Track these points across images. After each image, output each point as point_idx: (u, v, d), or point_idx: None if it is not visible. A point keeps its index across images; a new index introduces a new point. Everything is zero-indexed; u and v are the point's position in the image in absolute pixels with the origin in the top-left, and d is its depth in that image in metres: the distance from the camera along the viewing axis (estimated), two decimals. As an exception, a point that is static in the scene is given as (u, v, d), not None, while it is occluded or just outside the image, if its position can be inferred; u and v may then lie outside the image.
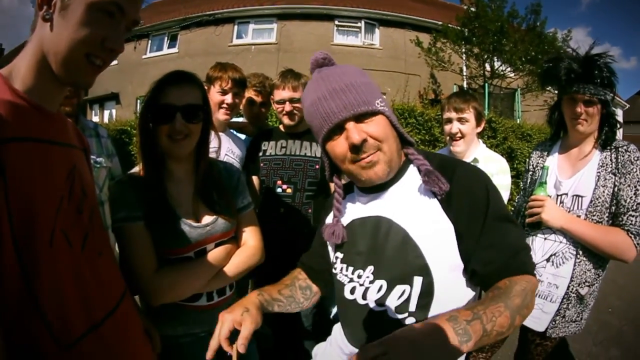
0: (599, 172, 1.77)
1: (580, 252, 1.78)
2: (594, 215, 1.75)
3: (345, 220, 1.26)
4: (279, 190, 2.35)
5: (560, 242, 1.84)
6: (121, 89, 17.38)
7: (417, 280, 1.03)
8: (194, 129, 1.38)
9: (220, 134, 1.74)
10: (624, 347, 3.44)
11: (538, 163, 2.05)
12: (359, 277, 1.16)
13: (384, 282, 1.09)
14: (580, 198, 1.80)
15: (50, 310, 0.78)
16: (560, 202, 1.87)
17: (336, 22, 16.33)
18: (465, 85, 14.42)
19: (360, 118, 1.06)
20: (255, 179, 2.39)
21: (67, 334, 0.81)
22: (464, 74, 15.19)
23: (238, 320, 1.10)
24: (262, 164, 2.38)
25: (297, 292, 1.39)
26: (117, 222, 1.34)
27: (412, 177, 1.14)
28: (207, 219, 1.45)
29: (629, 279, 4.38)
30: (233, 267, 1.51)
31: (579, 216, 1.78)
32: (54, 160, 0.83)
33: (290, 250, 2.27)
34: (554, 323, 1.86)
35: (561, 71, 1.81)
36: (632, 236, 1.65)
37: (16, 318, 0.74)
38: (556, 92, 2.02)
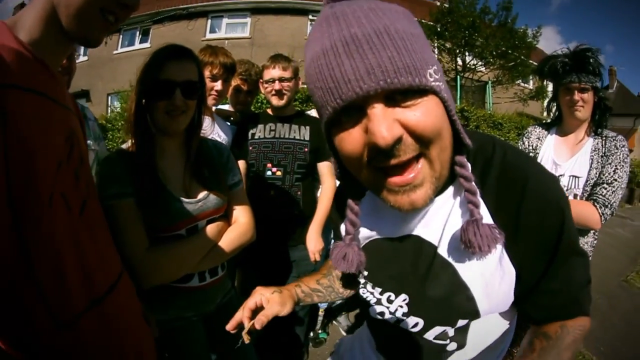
0: (592, 155, 2.04)
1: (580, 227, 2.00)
2: (588, 193, 2.01)
3: (367, 234, 0.93)
4: (269, 173, 2.35)
5: None
6: (91, 85, 16.94)
7: (461, 323, 0.81)
8: (191, 105, 1.36)
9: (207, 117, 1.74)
10: (599, 318, 3.71)
11: (537, 145, 2.25)
12: (389, 301, 0.90)
13: (420, 321, 0.85)
14: (577, 178, 2.06)
15: (47, 281, 0.72)
16: None
17: (310, 17, 16.33)
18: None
19: (395, 97, 0.62)
20: (242, 163, 2.36)
21: (66, 309, 0.76)
22: (437, 67, 15.43)
23: (267, 297, 1.00)
24: (250, 148, 2.37)
25: (335, 282, 1.18)
26: (107, 199, 1.26)
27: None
28: (198, 194, 1.43)
29: (598, 256, 4.64)
30: (225, 245, 1.48)
31: (575, 194, 2.05)
32: (56, 119, 0.78)
33: (282, 232, 2.35)
34: None
35: (557, 65, 2.04)
36: (597, 205, 1.90)
37: (8, 289, 0.68)
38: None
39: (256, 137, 2.39)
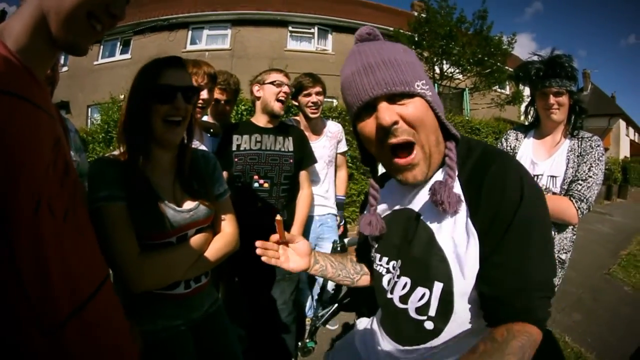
0: (568, 156, 2.14)
1: (557, 224, 2.12)
2: (565, 191, 2.10)
3: (383, 209, 1.22)
4: (256, 185, 2.36)
5: None
6: (71, 97, 16.63)
7: (438, 286, 0.98)
8: (189, 112, 1.38)
9: None
10: (585, 311, 3.87)
11: (516, 146, 2.37)
12: (394, 268, 1.12)
13: (408, 280, 1.05)
14: (554, 178, 2.17)
15: (32, 286, 0.71)
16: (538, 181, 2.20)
17: (290, 28, 16.50)
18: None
19: (394, 98, 0.95)
20: (224, 174, 2.40)
21: (50, 315, 0.75)
22: (415, 76, 15.59)
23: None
24: (236, 159, 2.36)
25: (347, 263, 1.41)
26: (96, 202, 1.24)
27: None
28: (189, 204, 1.45)
29: (581, 252, 4.91)
30: (212, 254, 1.52)
31: (554, 193, 2.14)
32: (42, 126, 0.77)
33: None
34: None
35: (532, 71, 2.19)
36: (574, 200, 2.00)
37: None
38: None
39: (242, 148, 2.40)
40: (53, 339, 0.75)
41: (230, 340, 1.71)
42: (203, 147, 2.18)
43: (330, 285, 3.34)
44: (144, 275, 1.29)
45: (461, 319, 0.97)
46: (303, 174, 2.56)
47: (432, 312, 0.99)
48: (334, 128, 3.15)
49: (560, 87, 2.10)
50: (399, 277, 1.08)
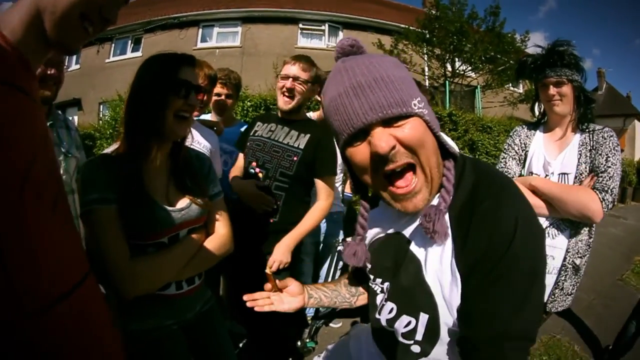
0: (580, 150, 1.98)
1: (573, 224, 1.97)
2: None
3: (376, 232, 1.14)
4: (252, 171, 2.30)
5: None
6: (83, 94, 16.88)
7: (423, 317, 0.93)
8: (196, 110, 1.39)
9: None
10: (595, 318, 3.71)
11: (527, 143, 2.21)
12: (387, 290, 1.07)
13: (394, 307, 1.01)
14: (566, 175, 2.01)
15: (17, 269, 0.71)
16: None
17: (300, 25, 16.48)
18: (427, 85, 14.77)
19: (390, 121, 0.85)
20: (242, 156, 2.40)
21: (35, 299, 0.74)
22: (426, 74, 15.50)
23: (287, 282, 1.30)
24: (249, 143, 2.35)
25: (341, 288, 1.36)
26: (88, 205, 1.25)
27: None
28: (181, 203, 1.44)
29: (592, 256, 4.63)
30: (205, 255, 1.51)
31: None
32: (34, 115, 0.79)
33: (256, 236, 2.26)
34: (553, 297, 2.01)
35: (528, 62, 2.08)
36: (597, 192, 1.84)
37: None
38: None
39: (256, 134, 2.36)
40: (36, 323, 0.74)
41: (223, 339, 1.70)
42: (207, 144, 2.35)
43: None
44: (135, 281, 1.28)
45: (448, 342, 0.94)
46: (319, 182, 2.28)
47: (418, 337, 0.96)
48: None
49: (559, 77, 1.97)
50: (386, 300, 1.04)
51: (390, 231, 1.09)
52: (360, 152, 0.89)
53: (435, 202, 0.94)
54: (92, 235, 1.28)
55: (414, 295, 0.94)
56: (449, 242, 0.88)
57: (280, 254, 2.14)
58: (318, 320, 3.09)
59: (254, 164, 2.29)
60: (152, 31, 16.44)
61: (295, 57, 2.31)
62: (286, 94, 2.23)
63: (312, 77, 2.27)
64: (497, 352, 0.82)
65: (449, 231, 0.88)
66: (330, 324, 3.41)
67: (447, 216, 0.89)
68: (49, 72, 1.91)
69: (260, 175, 2.27)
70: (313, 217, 2.25)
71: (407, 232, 1.01)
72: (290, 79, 2.20)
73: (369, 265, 1.14)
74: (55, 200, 0.83)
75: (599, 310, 3.96)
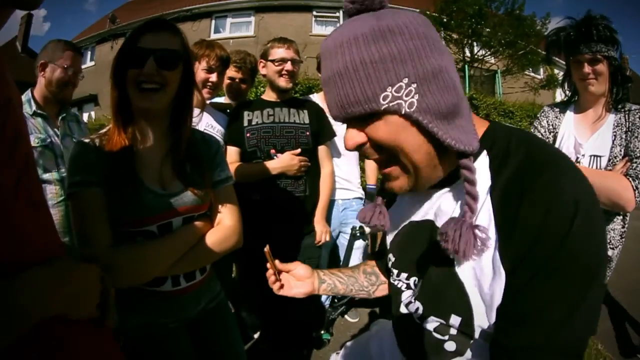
0: (614, 131, 1.82)
1: (605, 212, 1.79)
2: None
3: (400, 220, 1.00)
4: (274, 158, 2.27)
5: None
6: (99, 90, 17.10)
7: (455, 320, 0.80)
8: (170, 78, 1.21)
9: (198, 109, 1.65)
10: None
11: (556, 124, 2.05)
12: (415, 285, 0.93)
13: (420, 306, 0.88)
14: (598, 158, 1.85)
15: None
16: (577, 163, 1.89)
17: (314, 13, 16.35)
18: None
19: (365, 117, 0.74)
20: (235, 150, 2.31)
21: None
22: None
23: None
24: (248, 134, 2.27)
25: (360, 275, 1.24)
26: (71, 187, 1.17)
27: (480, 172, 0.76)
28: (174, 187, 1.28)
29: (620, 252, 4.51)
30: (204, 249, 1.33)
31: None
32: None
33: (290, 218, 2.30)
34: None
35: (561, 37, 1.89)
36: (631, 179, 1.68)
37: None
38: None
39: (254, 122, 2.30)
40: None
41: (232, 337, 1.58)
42: (220, 127, 2.32)
43: None
44: (115, 270, 1.10)
45: (483, 341, 0.79)
46: (323, 150, 2.46)
47: (452, 331, 0.83)
48: None
49: (594, 53, 1.78)
50: (415, 299, 0.90)
51: (417, 218, 0.93)
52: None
53: (457, 210, 0.81)
54: (75, 218, 1.21)
55: (444, 294, 0.80)
56: (492, 230, 0.71)
57: (323, 226, 2.41)
58: (334, 310, 3.02)
59: (273, 150, 2.27)
60: (165, 25, 16.53)
61: (281, 40, 2.37)
62: (285, 76, 2.31)
63: (299, 55, 2.42)
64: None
65: (479, 242, 0.70)
66: (347, 318, 3.32)
67: (486, 209, 0.73)
68: (70, 77, 2.25)
69: None
70: (329, 186, 2.47)
71: (439, 221, 0.84)
72: (289, 62, 2.29)
73: (392, 258, 1.01)
74: (18, 179, 0.71)
75: (624, 306, 3.78)
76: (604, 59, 1.79)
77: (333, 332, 3.07)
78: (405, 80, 0.69)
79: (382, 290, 1.23)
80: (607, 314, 3.39)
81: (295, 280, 1.19)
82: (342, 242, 3.01)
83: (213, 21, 16.58)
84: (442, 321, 0.82)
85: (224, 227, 1.39)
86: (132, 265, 1.18)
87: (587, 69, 1.83)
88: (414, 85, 0.69)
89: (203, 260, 1.37)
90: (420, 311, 0.87)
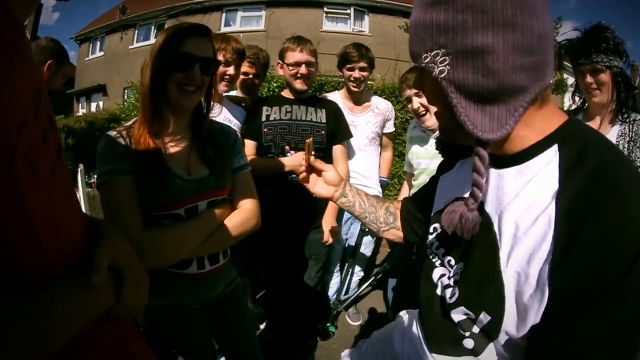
0: (618, 141, 1.89)
1: None
2: None
3: (449, 197, 0.95)
4: (289, 155, 2.32)
5: None
6: (108, 80, 17.21)
7: (485, 317, 0.77)
8: (206, 82, 1.35)
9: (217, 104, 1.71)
10: None
11: None
12: (451, 265, 0.91)
13: (457, 293, 0.85)
14: None
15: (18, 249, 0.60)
16: None
17: (325, 9, 16.22)
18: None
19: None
20: (252, 143, 2.35)
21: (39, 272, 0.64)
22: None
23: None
24: (265, 129, 2.32)
25: (381, 209, 1.27)
26: (102, 176, 1.24)
27: (545, 172, 0.71)
28: (199, 172, 1.38)
29: None
30: (227, 231, 1.41)
31: None
32: (20, 71, 0.65)
33: (299, 214, 2.35)
34: None
35: (562, 50, 1.98)
36: None
37: None
38: None
39: (271, 118, 2.35)
40: None
41: (245, 321, 1.69)
42: (236, 121, 2.34)
43: (357, 269, 3.23)
44: (146, 254, 1.20)
45: (501, 346, 0.78)
46: (338, 149, 2.46)
47: (475, 330, 0.81)
48: (382, 105, 2.99)
49: (596, 64, 1.85)
50: (455, 283, 0.87)
51: (464, 195, 0.84)
52: None
53: (496, 194, 0.78)
54: (107, 205, 1.26)
55: (484, 288, 0.76)
56: (547, 241, 0.65)
57: (330, 225, 2.42)
58: (340, 304, 3.06)
59: (287, 147, 2.31)
60: (175, 17, 16.50)
61: (296, 41, 2.36)
62: (300, 79, 2.33)
63: (316, 57, 2.39)
64: None
65: (552, 222, 0.66)
66: (350, 322, 3.27)
67: (547, 215, 0.67)
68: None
69: None
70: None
71: (491, 206, 0.80)
72: (303, 65, 2.29)
73: (439, 229, 0.98)
74: (53, 167, 0.70)
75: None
76: (606, 69, 1.85)
77: (338, 325, 3.10)
78: (443, 50, 0.70)
79: (392, 234, 1.26)
80: None
81: (322, 181, 1.27)
82: (354, 231, 3.06)
83: (223, 14, 16.52)
84: (472, 314, 0.80)
85: (244, 210, 1.49)
86: (164, 247, 1.26)
87: (589, 79, 1.90)
88: (450, 57, 0.70)
89: (226, 242, 1.45)
90: (455, 298, 0.84)
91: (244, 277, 2.71)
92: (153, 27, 17.33)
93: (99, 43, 19.03)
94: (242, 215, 1.47)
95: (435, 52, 0.71)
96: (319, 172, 1.28)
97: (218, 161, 1.43)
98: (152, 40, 15.02)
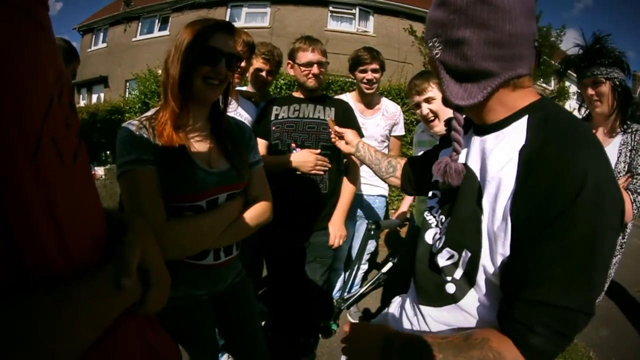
0: (620, 149, 2.01)
1: None
2: None
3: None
4: (294, 152, 2.32)
5: None
6: (110, 72, 17.15)
7: (466, 255, 0.92)
8: (229, 77, 1.39)
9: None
10: (613, 327, 3.57)
11: None
12: (442, 223, 1.08)
13: (443, 238, 1.02)
14: None
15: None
16: None
17: (330, 8, 16.19)
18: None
19: None
20: (263, 142, 2.35)
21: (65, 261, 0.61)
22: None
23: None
24: (274, 128, 2.34)
25: (383, 162, 1.62)
26: (126, 165, 1.23)
27: (515, 134, 0.87)
28: (220, 165, 1.42)
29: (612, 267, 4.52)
30: (244, 223, 1.47)
31: None
32: (46, 49, 0.60)
33: (304, 214, 2.33)
34: None
35: (562, 64, 2.13)
36: (630, 192, 1.85)
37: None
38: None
39: (280, 117, 2.36)
40: None
41: (251, 312, 1.73)
42: (247, 116, 2.39)
43: (362, 268, 3.25)
44: (171, 243, 1.23)
45: (482, 293, 0.93)
46: None
47: (457, 275, 0.97)
48: (392, 109, 3.06)
49: (595, 76, 1.94)
50: (442, 234, 1.05)
51: (471, 160, 1.02)
52: None
53: (503, 150, 0.92)
54: (129, 195, 1.26)
55: (464, 228, 0.93)
56: (510, 181, 0.82)
57: (337, 229, 2.37)
58: (343, 302, 3.07)
59: (294, 145, 2.31)
60: (179, 10, 16.47)
61: (307, 42, 2.36)
62: (312, 78, 2.33)
63: (326, 55, 2.40)
64: (526, 323, 0.78)
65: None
66: (351, 320, 3.32)
67: (513, 164, 0.83)
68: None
69: None
70: (351, 186, 2.45)
71: (471, 161, 0.99)
72: (315, 65, 2.30)
73: (438, 195, 1.18)
74: (75, 153, 0.66)
75: (617, 319, 3.81)
76: (606, 81, 1.94)
77: (339, 323, 3.09)
78: (439, 39, 0.94)
79: (394, 181, 1.59)
80: (601, 324, 3.47)
81: (343, 142, 1.78)
82: (360, 229, 3.08)
83: (228, 9, 16.47)
84: (455, 253, 0.96)
85: (259, 203, 1.55)
86: (187, 237, 1.29)
87: (590, 91, 1.99)
88: (442, 44, 0.93)
89: (243, 233, 1.49)
90: (441, 243, 1.01)
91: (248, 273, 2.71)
92: (157, 20, 17.28)
93: (102, 34, 18.95)
94: (257, 209, 1.53)
95: (434, 39, 0.94)
96: (341, 136, 1.77)
97: (237, 155, 1.48)
98: (156, 34, 14.97)
